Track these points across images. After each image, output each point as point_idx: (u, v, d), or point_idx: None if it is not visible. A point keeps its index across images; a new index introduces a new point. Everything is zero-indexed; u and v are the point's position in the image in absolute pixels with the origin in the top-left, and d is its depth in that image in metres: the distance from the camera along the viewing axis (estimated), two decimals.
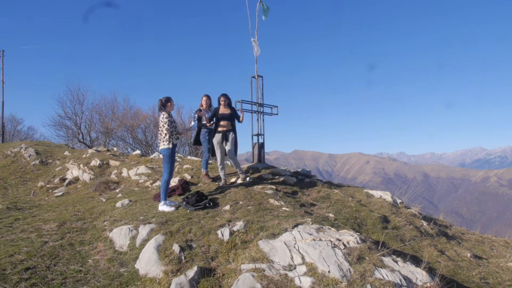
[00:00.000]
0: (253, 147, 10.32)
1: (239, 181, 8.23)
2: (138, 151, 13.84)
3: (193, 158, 11.62)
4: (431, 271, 4.35)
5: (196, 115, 8.28)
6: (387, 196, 7.88)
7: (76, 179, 10.91)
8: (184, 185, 7.86)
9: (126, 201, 7.43)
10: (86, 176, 10.76)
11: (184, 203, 6.41)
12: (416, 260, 4.74)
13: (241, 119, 8.23)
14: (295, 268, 3.92)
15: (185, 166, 9.90)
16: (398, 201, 7.90)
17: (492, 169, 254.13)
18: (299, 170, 10.58)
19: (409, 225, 6.55)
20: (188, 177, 8.81)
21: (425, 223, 6.94)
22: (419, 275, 4.01)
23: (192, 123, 8.37)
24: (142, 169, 10.17)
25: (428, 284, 3.87)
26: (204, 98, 8.50)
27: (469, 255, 5.91)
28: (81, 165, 11.44)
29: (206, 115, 8.30)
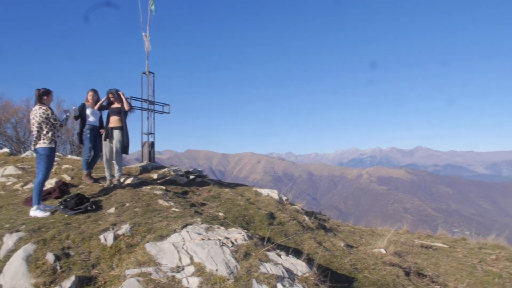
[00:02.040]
0: (142, 146, 9.91)
1: (128, 181, 7.82)
2: (6, 149, 12.14)
3: (74, 157, 10.65)
4: (310, 261, 4.71)
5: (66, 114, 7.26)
6: (274, 194, 8.32)
7: None
8: (63, 187, 7.14)
9: None
10: None
11: (61, 207, 5.81)
12: (297, 253, 5.09)
13: (125, 105, 7.53)
14: (183, 269, 3.87)
15: (64, 166, 9.01)
16: (284, 198, 8.40)
17: (364, 167, 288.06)
18: (190, 170, 10.51)
19: (293, 220, 7.01)
20: (67, 178, 8.04)
21: (307, 218, 7.51)
22: (299, 266, 4.32)
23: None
24: (10, 169, 8.93)
25: (307, 274, 4.20)
26: (90, 93, 7.87)
27: (342, 244, 6.58)
28: None
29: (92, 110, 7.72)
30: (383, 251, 6.68)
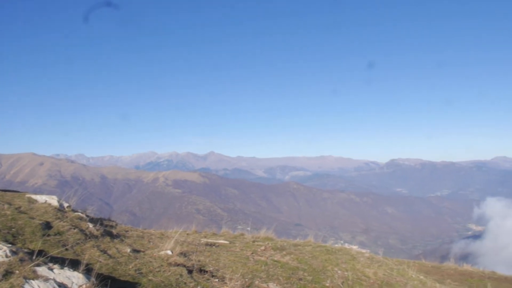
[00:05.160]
0: None
1: None
2: None
3: None
4: (89, 272, 4.39)
5: None
6: (53, 200, 7.39)
7: None
8: None
9: None
10: None
11: None
12: (76, 264, 4.67)
13: None
14: None
15: None
16: (66, 205, 7.57)
17: (161, 171, 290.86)
18: None
19: (74, 228, 6.40)
20: None
21: (91, 225, 6.98)
22: (75, 278, 3.98)
23: None
24: None
25: (84, 286, 3.91)
26: None
27: (129, 250, 6.42)
28: None
29: None
30: (169, 252, 6.85)
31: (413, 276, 10.19)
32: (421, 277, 10.44)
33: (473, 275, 14.52)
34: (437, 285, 10.21)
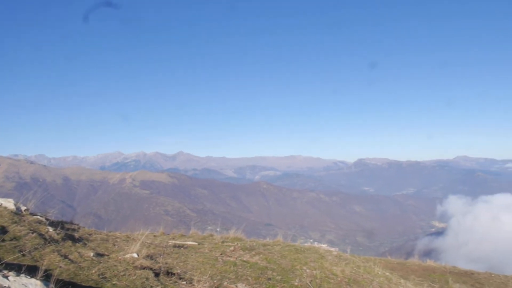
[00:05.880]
0: None
1: None
2: None
3: None
4: (49, 278, 4.17)
5: None
6: (9, 203, 7.00)
7: None
8: None
9: None
10: None
11: None
12: (34, 270, 4.42)
13: None
14: None
15: None
16: (23, 208, 7.19)
17: (128, 171, 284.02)
18: None
19: (32, 233, 6.07)
20: None
21: (51, 229, 6.66)
22: (33, 286, 3.76)
23: None
24: None
25: None
26: None
27: (92, 254, 6.17)
28: None
29: None
30: (135, 255, 6.65)
31: (379, 273, 10.42)
32: (387, 273, 10.71)
33: (435, 270, 15.07)
34: (402, 281, 10.51)
